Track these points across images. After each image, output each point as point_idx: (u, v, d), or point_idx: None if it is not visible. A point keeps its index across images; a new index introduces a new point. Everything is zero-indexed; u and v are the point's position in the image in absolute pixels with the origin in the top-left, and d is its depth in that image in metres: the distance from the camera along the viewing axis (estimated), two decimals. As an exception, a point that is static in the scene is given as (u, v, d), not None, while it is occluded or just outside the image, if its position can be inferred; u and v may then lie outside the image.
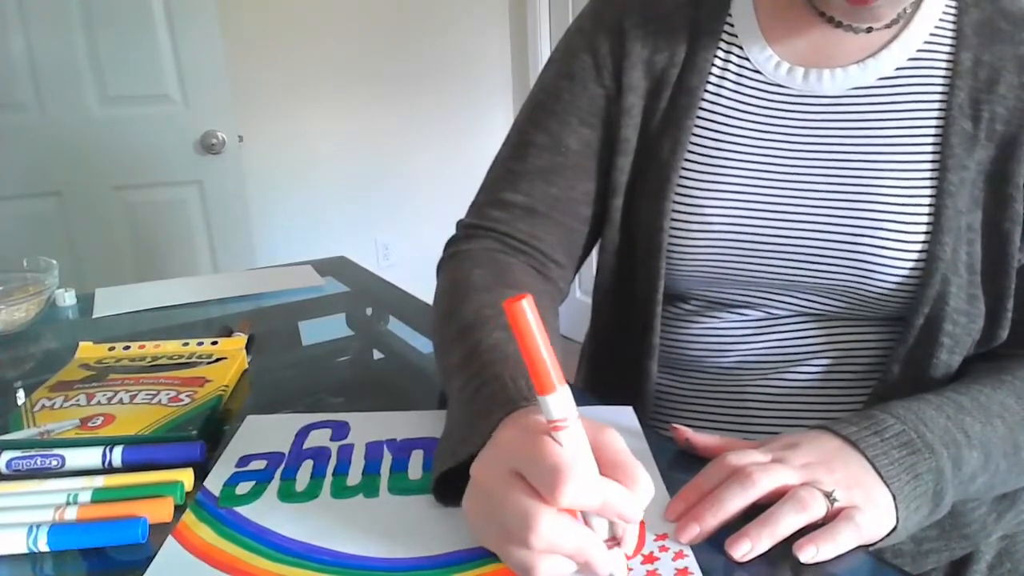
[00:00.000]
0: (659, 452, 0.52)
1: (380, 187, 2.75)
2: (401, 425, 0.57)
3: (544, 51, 2.79)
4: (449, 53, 2.78)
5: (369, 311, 0.93)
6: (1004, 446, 0.52)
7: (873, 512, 0.44)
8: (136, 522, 0.44)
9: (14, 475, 0.51)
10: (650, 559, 0.40)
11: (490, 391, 0.46)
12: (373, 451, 0.53)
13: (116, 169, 1.93)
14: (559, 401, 0.36)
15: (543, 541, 0.35)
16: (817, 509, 0.42)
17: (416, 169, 2.80)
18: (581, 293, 2.79)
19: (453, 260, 0.68)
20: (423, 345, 0.79)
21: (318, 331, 0.86)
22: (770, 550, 0.41)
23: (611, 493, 0.36)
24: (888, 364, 0.61)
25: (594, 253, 0.73)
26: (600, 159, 0.68)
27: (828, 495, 0.43)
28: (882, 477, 0.45)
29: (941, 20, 0.61)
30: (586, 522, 0.38)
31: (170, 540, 0.43)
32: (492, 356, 0.49)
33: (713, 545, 0.42)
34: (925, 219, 0.58)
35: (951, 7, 0.61)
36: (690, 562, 0.40)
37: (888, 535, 0.45)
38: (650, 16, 0.66)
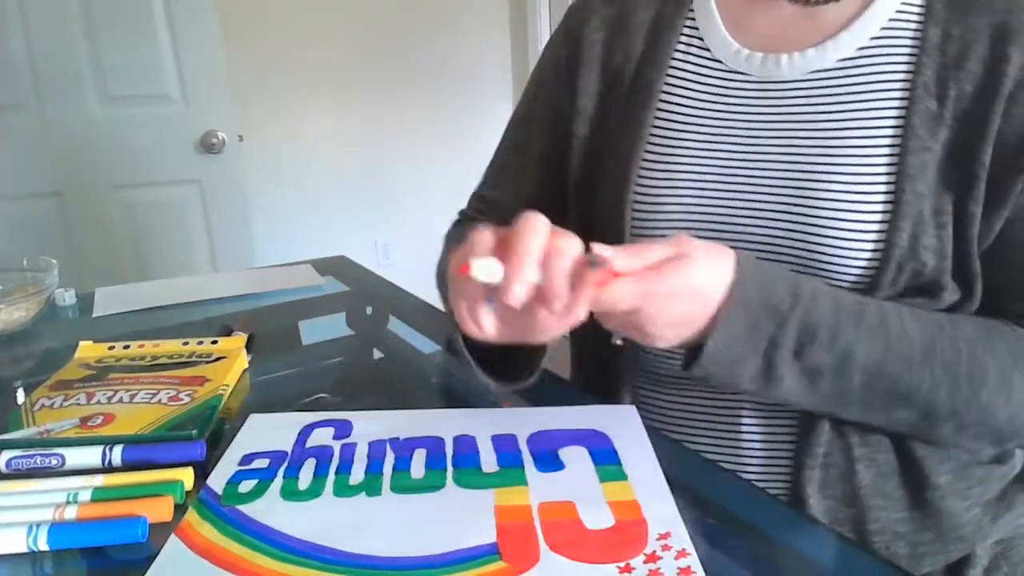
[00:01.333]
0: (661, 453, 0.52)
1: (380, 187, 2.75)
2: (403, 424, 0.57)
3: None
4: (449, 53, 2.78)
5: (369, 311, 0.93)
6: (869, 364, 0.52)
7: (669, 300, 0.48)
8: (136, 521, 0.44)
9: (14, 475, 0.51)
10: (652, 558, 0.40)
11: None
12: (375, 450, 0.53)
13: (116, 169, 1.93)
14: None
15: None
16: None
17: (416, 169, 2.80)
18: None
19: (450, 237, 0.77)
20: (423, 345, 0.79)
21: (318, 331, 0.86)
22: (772, 553, 0.41)
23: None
24: None
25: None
26: (557, 161, 0.71)
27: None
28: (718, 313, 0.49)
29: None
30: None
31: (173, 538, 0.43)
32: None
33: (716, 545, 0.42)
34: (881, 205, 0.56)
35: None
36: (692, 561, 0.40)
37: (697, 358, 0.50)
38: (611, 18, 0.68)
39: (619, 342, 0.52)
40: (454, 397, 0.66)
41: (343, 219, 2.70)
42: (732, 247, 0.59)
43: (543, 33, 2.79)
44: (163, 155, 1.96)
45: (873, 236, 0.55)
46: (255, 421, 0.59)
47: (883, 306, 0.54)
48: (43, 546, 0.43)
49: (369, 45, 2.62)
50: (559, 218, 0.69)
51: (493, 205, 0.76)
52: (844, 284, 0.57)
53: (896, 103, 0.57)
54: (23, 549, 0.43)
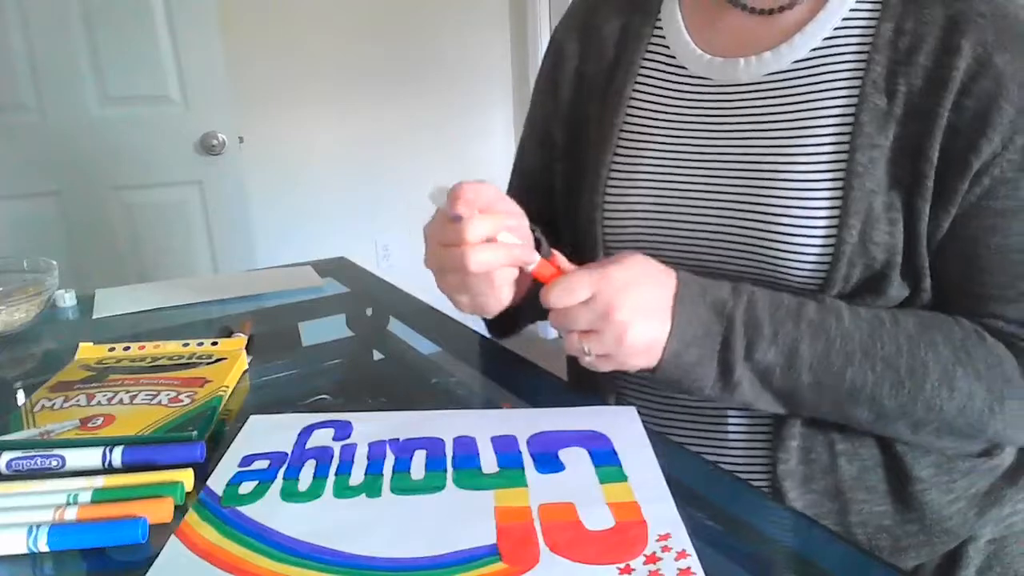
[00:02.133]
0: (661, 455, 0.52)
1: (380, 187, 2.75)
2: (403, 425, 0.57)
3: (544, 52, 2.78)
4: (449, 54, 2.78)
5: (369, 312, 0.93)
6: (814, 362, 0.54)
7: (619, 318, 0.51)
8: (136, 522, 0.44)
9: (14, 475, 0.51)
10: (652, 559, 0.40)
11: None
12: (375, 451, 0.53)
13: (116, 169, 1.93)
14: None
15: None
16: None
17: (416, 169, 2.80)
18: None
19: None
20: (423, 346, 0.79)
21: (318, 332, 0.86)
22: (771, 553, 0.41)
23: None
24: None
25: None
26: (544, 170, 0.76)
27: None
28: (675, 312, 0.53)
29: None
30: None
31: (173, 540, 0.43)
32: None
33: (716, 546, 0.42)
34: (827, 202, 0.56)
35: None
36: (693, 562, 0.40)
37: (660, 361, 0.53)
38: (586, 29, 0.72)
39: (588, 357, 0.53)
40: (454, 398, 0.66)
41: (343, 220, 2.70)
42: (692, 245, 0.63)
43: (543, 33, 2.79)
44: (163, 156, 1.96)
45: (822, 231, 0.56)
46: (255, 422, 0.59)
47: (823, 304, 0.55)
48: (43, 547, 0.43)
49: (369, 46, 2.62)
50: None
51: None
52: (797, 279, 0.58)
53: (845, 101, 0.57)
54: (23, 550, 0.43)
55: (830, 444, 0.60)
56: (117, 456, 0.52)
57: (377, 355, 0.80)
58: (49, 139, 1.86)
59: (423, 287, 0.94)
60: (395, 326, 0.86)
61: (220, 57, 1.94)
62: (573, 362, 0.78)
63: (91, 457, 0.52)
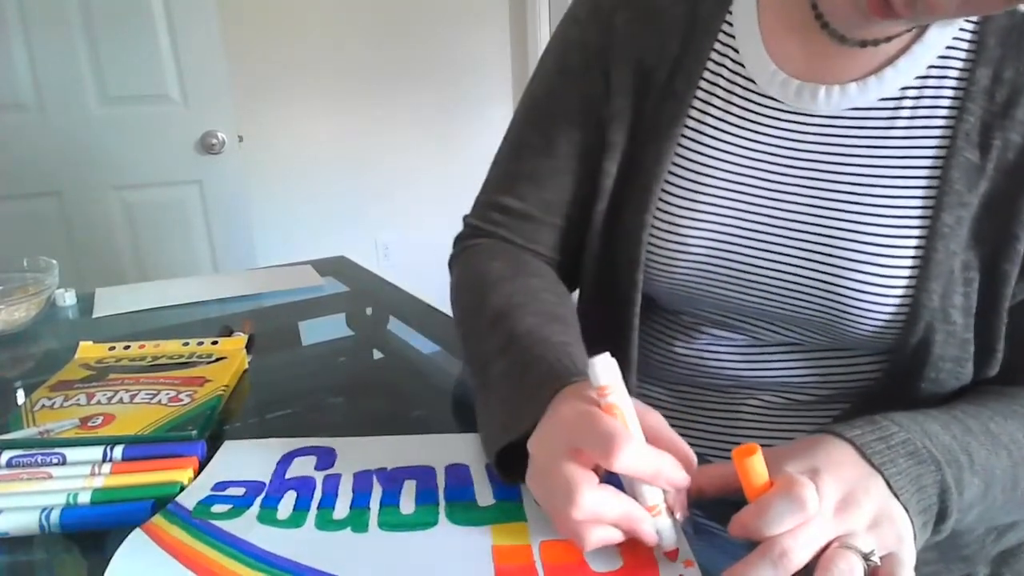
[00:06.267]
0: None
1: (380, 186, 2.75)
2: (391, 452, 0.53)
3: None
4: (449, 53, 2.78)
5: (369, 311, 0.93)
6: (1005, 479, 0.47)
7: (907, 548, 0.39)
8: (143, 505, 0.44)
9: (14, 475, 0.51)
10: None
11: (537, 371, 0.48)
12: (361, 482, 0.49)
13: (116, 169, 1.93)
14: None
15: (584, 512, 0.38)
16: None
17: (416, 169, 2.80)
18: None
19: (467, 254, 0.69)
20: (423, 345, 0.79)
21: (318, 331, 0.86)
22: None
23: (662, 460, 0.39)
24: (872, 390, 0.58)
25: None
26: (591, 160, 0.64)
27: (866, 556, 0.36)
28: (893, 491, 0.40)
29: (961, 30, 0.52)
30: (634, 494, 0.40)
31: (137, 531, 0.41)
32: (531, 340, 0.51)
33: (716, 548, 0.42)
34: (910, 262, 0.52)
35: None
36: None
37: None
38: (645, 10, 0.61)
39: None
40: (454, 398, 0.66)
41: (343, 219, 2.70)
42: (750, 286, 0.57)
43: (543, 33, 2.79)
44: (163, 155, 1.96)
45: (900, 293, 0.52)
46: (230, 448, 0.55)
47: (996, 420, 0.49)
48: (54, 522, 0.45)
49: (369, 46, 2.62)
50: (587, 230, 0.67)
51: (514, 215, 0.68)
52: (865, 336, 0.55)
53: (934, 151, 0.52)
54: (35, 530, 0.45)
55: None
56: (117, 455, 0.52)
57: (377, 354, 0.80)
58: (49, 139, 1.86)
59: (423, 286, 0.94)
60: (395, 325, 0.86)
61: (220, 57, 1.94)
62: None
63: (91, 456, 0.52)
